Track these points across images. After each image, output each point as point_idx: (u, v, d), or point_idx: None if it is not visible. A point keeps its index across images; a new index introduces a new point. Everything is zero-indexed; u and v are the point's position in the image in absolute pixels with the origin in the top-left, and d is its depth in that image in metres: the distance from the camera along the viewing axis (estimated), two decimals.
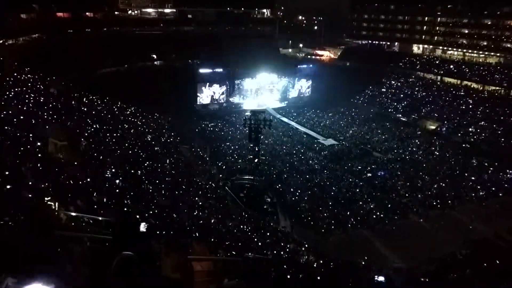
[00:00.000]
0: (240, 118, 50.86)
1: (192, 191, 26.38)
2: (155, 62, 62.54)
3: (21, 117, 23.56)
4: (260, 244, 21.40)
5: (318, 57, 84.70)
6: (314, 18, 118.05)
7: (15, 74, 32.48)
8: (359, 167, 36.14)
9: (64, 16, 61.64)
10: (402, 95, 59.50)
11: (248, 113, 52.47)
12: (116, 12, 72.74)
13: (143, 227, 11.43)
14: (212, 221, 22.41)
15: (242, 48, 65.79)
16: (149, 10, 78.55)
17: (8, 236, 6.72)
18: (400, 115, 54.80)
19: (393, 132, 47.92)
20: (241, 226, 23.54)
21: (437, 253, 21.82)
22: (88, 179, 18.91)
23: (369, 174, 34.52)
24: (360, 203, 29.19)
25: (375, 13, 77.77)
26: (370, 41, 78.47)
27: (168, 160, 30.77)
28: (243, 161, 36.38)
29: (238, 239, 21.30)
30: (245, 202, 29.01)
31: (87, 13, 66.57)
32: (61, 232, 9.63)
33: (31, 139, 20.70)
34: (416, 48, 71.91)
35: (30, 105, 26.99)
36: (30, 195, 12.55)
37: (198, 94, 54.34)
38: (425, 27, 69.73)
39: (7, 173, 13.57)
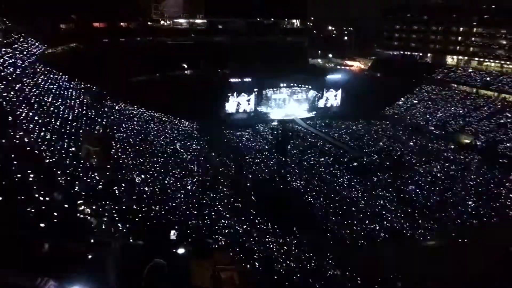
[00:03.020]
0: (267, 127, 50.95)
1: (218, 200, 26.46)
2: (186, 71, 63.66)
3: (57, 124, 24.39)
4: (286, 256, 21.17)
5: (348, 68, 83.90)
6: (344, 28, 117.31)
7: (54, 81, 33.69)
8: (389, 181, 35.23)
9: (100, 26, 63.88)
10: (435, 108, 57.91)
11: (275, 123, 52.66)
12: (149, 22, 74.70)
13: (173, 235, 11.53)
14: (238, 230, 22.38)
15: (271, 58, 66.00)
16: (181, 20, 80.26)
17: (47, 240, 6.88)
18: (433, 128, 53.27)
19: (425, 146, 46.56)
20: (267, 237, 23.37)
21: (471, 271, 20.87)
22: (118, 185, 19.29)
23: (399, 188, 33.57)
24: (390, 217, 28.37)
25: (408, 23, 76.42)
26: (401, 52, 77.06)
27: (195, 167, 31.05)
28: (269, 171, 36.18)
29: (264, 249, 21.15)
30: (271, 211, 28.76)
31: (121, 23, 68.68)
32: (93, 237, 9.84)
33: (65, 145, 21.36)
34: (451, 59, 69.96)
35: (65, 111, 27.89)
36: (63, 200, 12.89)
37: (226, 103, 54.75)
38: (460, 37, 67.83)
39: (41, 177, 13.96)
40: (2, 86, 23.43)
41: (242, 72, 57.63)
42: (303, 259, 21.39)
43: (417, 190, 33.21)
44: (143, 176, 24.03)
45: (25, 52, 35.46)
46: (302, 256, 21.44)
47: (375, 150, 44.02)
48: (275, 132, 43.86)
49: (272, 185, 33.27)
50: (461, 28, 67.28)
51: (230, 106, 55.13)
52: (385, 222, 27.75)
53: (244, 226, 23.61)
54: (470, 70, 64.05)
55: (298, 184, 33.99)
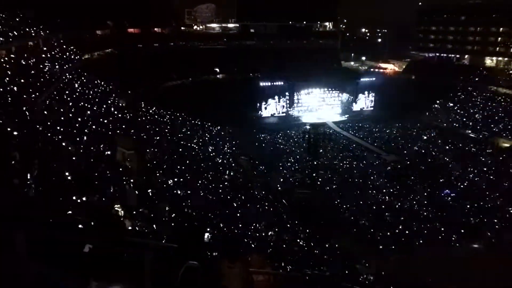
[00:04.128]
0: (299, 131, 50.54)
1: (249, 203, 26.38)
2: (218, 76, 64.34)
3: (93, 127, 25.10)
4: (317, 259, 20.81)
5: (381, 70, 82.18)
6: (378, 30, 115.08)
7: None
8: (424, 185, 34.02)
9: (135, 32, 65.71)
10: (472, 111, 55.55)
11: (307, 126, 52.19)
12: (182, 28, 76.16)
13: (206, 238, 11.46)
14: (269, 233, 22.20)
15: (303, 61, 65.67)
16: (214, 25, 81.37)
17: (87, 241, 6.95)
18: (470, 132, 51.12)
19: (461, 149, 44.72)
20: (297, 240, 23.07)
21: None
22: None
23: (434, 193, 32.32)
24: (424, 223, 27.30)
25: (444, 24, 73.98)
26: (437, 54, 74.68)
27: (227, 171, 31.15)
28: (301, 175, 35.83)
29: (295, 253, 20.87)
30: (302, 215, 28.40)
31: (155, 29, 70.39)
32: (128, 238, 9.91)
33: (101, 148, 21.92)
34: (489, 61, 67.12)
35: (101, 115, 28.70)
36: (100, 202, 13.15)
37: (258, 106, 54.82)
38: (499, 38, 64.96)
39: (78, 180, 14.29)
40: (42, 91, 24.41)
41: (274, 76, 57.62)
42: (335, 264, 20.93)
43: (453, 195, 31.87)
44: (175, 179, 24.27)
45: (63, 58, 36.87)
46: (334, 261, 20.98)
47: (410, 154, 42.70)
48: (307, 136, 43.37)
49: (303, 188, 32.90)
50: (501, 29, 64.44)
51: (262, 110, 55.15)
52: (419, 228, 26.75)
53: (276, 230, 23.40)
54: (511, 72, 61.20)
55: (330, 188, 33.44)
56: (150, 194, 18.73)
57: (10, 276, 5.26)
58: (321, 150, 42.42)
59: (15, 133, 14.03)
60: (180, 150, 31.26)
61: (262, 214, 24.81)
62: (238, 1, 77.86)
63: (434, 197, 31.69)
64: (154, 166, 24.72)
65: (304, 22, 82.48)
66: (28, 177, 11.30)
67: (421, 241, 25.15)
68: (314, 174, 35.89)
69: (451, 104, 58.64)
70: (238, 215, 22.84)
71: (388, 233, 25.95)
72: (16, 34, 30.49)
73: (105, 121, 27.78)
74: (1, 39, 27.47)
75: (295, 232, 24.39)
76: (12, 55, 27.87)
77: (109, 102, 34.09)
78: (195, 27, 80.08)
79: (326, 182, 34.74)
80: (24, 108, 18.55)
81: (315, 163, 39.00)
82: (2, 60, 25.47)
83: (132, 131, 28.94)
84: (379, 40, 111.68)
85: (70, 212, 10.26)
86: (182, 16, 79.46)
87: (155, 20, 69.32)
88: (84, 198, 12.56)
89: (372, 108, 60.40)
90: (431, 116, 57.67)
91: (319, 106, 58.20)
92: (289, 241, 22.43)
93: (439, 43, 74.50)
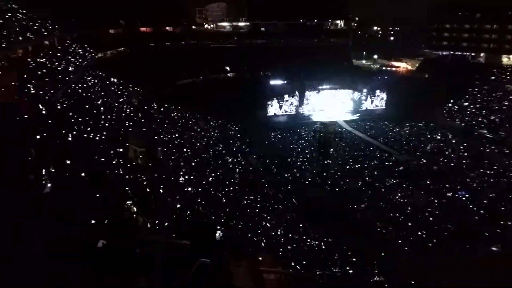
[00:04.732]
0: (310, 130, 50.39)
1: (259, 202, 26.42)
2: (228, 74, 64.48)
3: (106, 124, 25.40)
4: (327, 259, 20.77)
5: (394, 69, 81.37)
6: (390, 28, 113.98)
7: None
8: (437, 186, 33.63)
9: (147, 31, 66.24)
10: (488, 110, 54.62)
11: (318, 125, 52.01)
12: (193, 26, 76.45)
13: (218, 235, 11.55)
14: (279, 232, 22.22)
15: (313, 60, 65.41)
16: (224, 24, 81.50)
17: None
18: (486, 132, 50.32)
19: (477, 149, 44.05)
20: (308, 240, 23.04)
21: None
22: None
23: (447, 194, 31.94)
24: (437, 225, 27.01)
25: (458, 22, 72.87)
26: (451, 52, 73.65)
27: (237, 169, 31.24)
28: (311, 174, 35.75)
29: (306, 252, 20.86)
30: (312, 214, 28.35)
31: (167, 28, 70.82)
32: (140, 236, 10.05)
33: (114, 145, 22.16)
34: (506, 59, 65.96)
35: (114, 113, 29.02)
36: (113, 199, 13.32)
37: (268, 105, 54.81)
38: None
39: (91, 177, 14.49)
40: (56, 89, 24.78)
41: (284, 74, 57.53)
42: (346, 264, 20.87)
43: (467, 197, 31.46)
44: (186, 177, 24.44)
45: (77, 57, 37.36)
46: (345, 261, 20.92)
47: (423, 153, 42.25)
48: (318, 135, 43.25)
49: (314, 188, 32.84)
50: None
51: (272, 108, 55.11)
52: (432, 230, 26.48)
53: (285, 229, 23.41)
54: None
55: (341, 188, 33.31)
56: (161, 192, 18.90)
57: (27, 270, 5.42)
58: (331, 149, 42.26)
59: (31, 130, 14.29)
60: (191, 148, 31.41)
61: (272, 213, 24.85)
62: (248, 0, 77.90)
63: (447, 198, 31.35)
64: (165, 164, 24.94)
65: (315, 20, 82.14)
66: (43, 173, 11.51)
67: (434, 242, 24.94)
68: (324, 174, 35.77)
69: (466, 104, 57.78)
70: (248, 213, 22.92)
71: (400, 234, 25.78)
72: (32, 33, 30.97)
73: (118, 119, 28.09)
74: (20, 38, 27.93)
75: (306, 231, 24.37)
76: (29, 54, 28.37)
77: (121, 100, 34.43)
78: (206, 26, 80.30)
79: (336, 182, 34.62)
80: (39, 106, 18.86)
81: (325, 162, 38.86)
82: (20, 58, 25.94)
83: (144, 129, 29.20)
84: (391, 38, 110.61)
85: (83, 208, 10.43)
86: (193, 15, 79.75)
87: (166, 19, 69.71)
88: (97, 195, 12.77)
89: (384, 107, 59.92)
90: (445, 115, 56.93)
91: (329, 104, 57.93)
92: (300, 241, 22.44)
93: (453, 41, 73.42)
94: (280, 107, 55.58)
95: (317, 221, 27.39)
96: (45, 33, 34.72)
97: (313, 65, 63.04)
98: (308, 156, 40.83)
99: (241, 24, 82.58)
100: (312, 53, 69.86)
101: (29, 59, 27.32)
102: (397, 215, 28.36)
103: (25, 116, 15.81)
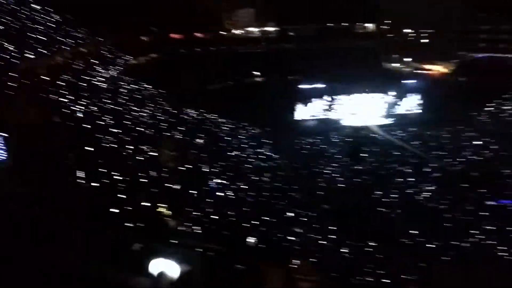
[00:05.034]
0: (340, 134, 49.54)
1: (290, 208, 26.08)
2: (257, 79, 64.58)
3: (138, 129, 25.86)
4: (363, 268, 20.16)
5: (427, 72, 79.08)
6: (423, 30, 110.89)
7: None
8: (476, 193, 32.16)
9: (178, 38, 67.43)
10: None
11: (348, 130, 51.11)
12: (222, 32, 77.18)
13: (250, 241, 11.35)
14: (311, 239, 21.81)
15: (343, 63, 64.45)
16: (253, 29, 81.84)
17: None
18: None
19: None
20: (342, 247, 22.48)
21: None
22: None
23: (489, 202, 30.45)
24: (477, 233, 25.76)
25: (496, 22, 70.05)
26: (489, 54, 70.83)
27: (267, 174, 31.04)
28: (342, 180, 35.03)
29: (340, 261, 20.35)
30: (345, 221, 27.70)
31: (197, 34, 71.80)
32: (174, 240, 10.00)
33: (145, 148, 22.49)
34: None
35: (147, 119, 29.55)
36: (147, 202, 13.40)
37: (297, 109, 54.33)
38: None
39: (125, 182, 14.66)
40: (92, 95, 25.46)
41: (313, 78, 56.98)
42: (382, 273, 20.18)
43: (509, 205, 29.91)
44: (217, 181, 24.46)
45: (111, 63, 38.44)
46: (380, 270, 20.22)
47: (460, 160, 40.61)
48: (348, 140, 42.51)
49: (345, 194, 32.15)
50: None
51: (301, 112, 54.59)
52: (472, 238, 25.28)
53: (318, 235, 22.95)
54: None
55: (374, 194, 32.42)
56: (193, 196, 18.95)
57: (70, 272, 5.41)
58: (363, 155, 41.37)
59: (69, 134, 14.63)
60: (221, 152, 31.52)
61: (304, 219, 24.45)
62: (277, 5, 77.90)
63: (488, 206, 29.91)
64: (196, 168, 25.06)
65: (344, 24, 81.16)
66: (80, 176, 11.72)
67: (472, 251, 23.82)
68: (356, 179, 35.00)
69: (505, 108, 55.18)
70: (279, 219, 22.62)
71: (437, 242, 24.76)
72: (69, 41, 32.09)
73: (150, 123, 28.56)
74: (59, 46, 29.00)
75: (339, 238, 23.81)
76: (67, 61, 29.37)
77: (154, 105, 35.04)
78: (235, 31, 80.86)
79: (369, 188, 33.72)
80: (77, 111, 19.36)
81: (357, 168, 38.07)
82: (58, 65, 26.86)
83: (176, 133, 29.57)
84: (424, 40, 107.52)
85: (118, 211, 10.50)
86: (222, 21, 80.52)
87: (196, 26, 70.70)
88: (131, 198, 12.87)
89: (418, 111, 58.11)
90: (483, 119, 54.60)
91: (360, 109, 56.75)
92: (333, 248, 21.94)
93: (490, 42, 70.59)
94: (309, 111, 54.97)
95: (350, 228, 26.74)
96: (82, 40, 35.89)
97: (343, 68, 62.02)
98: (339, 161, 40.08)
99: (270, 29, 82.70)
100: (342, 56, 68.87)
101: (67, 66, 28.21)
102: (434, 223, 27.31)
103: (62, 121, 16.25)
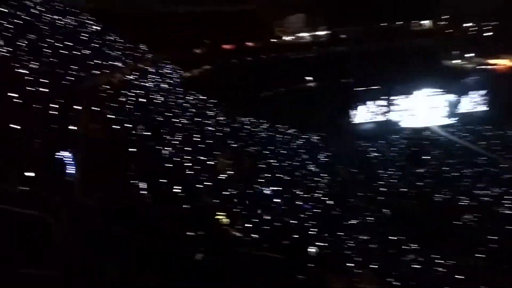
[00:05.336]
0: (400, 136, 47.60)
1: (349, 214, 25.30)
2: (310, 84, 64.11)
3: (194, 139, 26.51)
4: (426, 276, 19.03)
5: (491, 67, 73.85)
6: (486, 23, 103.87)
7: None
8: None
9: (229, 48, 68.87)
10: None
11: (408, 132, 48.95)
12: (273, 40, 77.69)
13: (312, 251, 11.04)
14: (374, 246, 20.95)
15: (400, 63, 62.11)
16: (303, 34, 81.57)
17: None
18: None
19: None
20: (406, 256, 21.37)
21: None
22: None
23: None
24: None
25: None
26: None
27: (324, 180, 30.45)
28: (403, 184, 33.50)
29: (403, 269, 19.36)
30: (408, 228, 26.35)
31: (248, 43, 72.84)
32: (233, 248, 9.98)
33: (202, 157, 22.95)
34: None
35: (203, 128, 30.29)
36: (204, 210, 13.57)
37: (353, 113, 53.03)
38: None
39: (184, 191, 14.94)
40: (149, 108, 26.59)
41: (368, 80, 55.47)
42: (449, 283, 18.88)
43: None
44: (272, 188, 24.33)
45: (165, 77, 40.11)
46: (450, 281, 18.92)
47: None
48: (409, 142, 40.66)
49: (407, 199, 30.70)
50: None
51: (357, 116, 53.21)
52: None
53: (379, 242, 22.00)
54: None
55: (438, 199, 30.59)
56: (248, 204, 18.95)
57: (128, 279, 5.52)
58: (424, 157, 39.37)
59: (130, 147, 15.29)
60: (276, 159, 31.44)
61: (364, 226, 23.59)
62: (327, 8, 77.07)
63: None
64: (252, 176, 25.12)
65: (400, 22, 78.31)
66: (141, 187, 12.11)
67: None
68: (418, 183, 33.31)
69: None
70: (339, 227, 21.99)
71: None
72: (128, 57, 33.94)
73: (206, 133, 29.20)
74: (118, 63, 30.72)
75: (402, 245, 22.68)
76: (126, 77, 31.06)
77: (208, 115, 35.89)
78: (285, 37, 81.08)
79: (432, 193, 31.88)
80: (136, 125, 20.21)
81: (419, 171, 36.28)
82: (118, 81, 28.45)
83: (231, 141, 29.99)
84: (488, 33, 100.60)
85: (177, 220, 10.67)
86: (273, 29, 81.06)
87: (247, 35, 71.78)
88: (188, 207, 13.10)
89: (483, 109, 54.30)
90: None
91: (421, 109, 54.08)
92: (396, 256, 20.92)
93: None
94: (365, 114, 53.42)
95: (413, 235, 25.39)
96: (139, 56, 37.80)
97: (400, 68, 59.79)
98: (399, 165, 38.43)
99: (320, 33, 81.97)
100: (398, 56, 66.49)
101: (126, 82, 29.77)
102: (508, 228, 25.13)
103: (123, 135, 17.03)
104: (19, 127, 11.01)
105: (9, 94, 13.31)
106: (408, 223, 27.00)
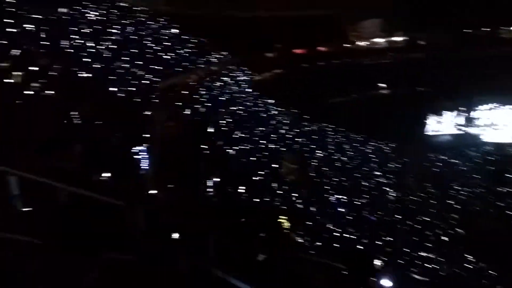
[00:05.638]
0: (480, 151, 44.07)
1: (420, 230, 23.91)
2: (383, 91, 61.85)
3: (261, 142, 26.81)
4: None
5: None
6: None
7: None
8: None
9: (301, 52, 68.66)
10: None
11: (489, 147, 45.07)
12: (346, 45, 76.06)
13: (377, 264, 10.61)
14: (445, 268, 19.60)
15: (483, 72, 57.49)
16: (379, 40, 78.89)
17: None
18: None
19: None
20: (483, 280, 19.70)
21: None
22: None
23: None
24: None
25: None
26: None
27: (393, 192, 29.11)
28: (482, 203, 30.89)
29: None
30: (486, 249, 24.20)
31: (320, 48, 72.05)
32: (294, 252, 9.91)
33: (268, 161, 23.13)
34: None
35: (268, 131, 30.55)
36: (268, 213, 13.63)
37: (428, 123, 50.12)
38: None
39: (250, 192, 15.14)
40: (221, 110, 27.43)
41: (447, 89, 52.18)
42: None
43: None
44: (337, 196, 23.79)
45: (236, 80, 41.10)
46: None
47: None
48: (490, 158, 37.43)
49: (485, 219, 28.25)
50: None
51: (433, 126, 50.22)
52: None
53: (450, 264, 20.51)
54: None
55: None
56: (312, 210, 18.71)
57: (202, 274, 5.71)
58: (508, 175, 35.99)
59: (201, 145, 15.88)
60: (344, 167, 30.72)
61: (434, 244, 22.13)
62: (405, 13, 73.78)
63: None
64: (317, 182, 24.79)
65: (486, 29, 72.52)
66: (209, 185, 12.51)
67: None
68: (499, 203, 30.50)
69: None
70: (407, 243, 20.85)
71: None
72: (202, 59, 35.38)
73: (273, 136, 29.40)
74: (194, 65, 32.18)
75: (477, 269, 20.91)
76: (200, 79, 32.44)
77: (276, 119, 36.12)
78: (359, 43, 79.04)
79: None
80: (208, 125, 20.95)
81: (499, 190, 33.22)
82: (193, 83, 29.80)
83: (297, 146, 29.86)
84: None
85: (244, 219, 10.82)
86: (346, 33, 79.40)
87: (319, 40, 71.08)
88: (255, 209, 13.25)
89: None
90: None
91: (505, 122, 49.55)
92: (468, 280, 19.36)
93: None
94: (442, 125, 50.21)
95: (491, 258, 23.26)
96: (214, 60, 39.22)
97: (483, 78, 55.34)
98: (478, 181, 35.51)
99: (397, 38, 78.77)
100: (481, 65, 61.54)
101: (200, 84, 31.04)
102: None
103: (195, 134, 17.73)
104: (102, 124, 11.97)
105: (93, 93, 14.52)
106: (486, 247, 24.80)
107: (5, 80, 9.68)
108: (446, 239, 23.91)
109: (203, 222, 7.58)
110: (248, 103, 36.39)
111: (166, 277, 5.03)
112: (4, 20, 16.78)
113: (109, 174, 8.13)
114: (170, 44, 36.99)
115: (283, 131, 33.37)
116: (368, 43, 78.31)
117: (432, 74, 60.06)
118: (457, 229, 26.95)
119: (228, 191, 13.27)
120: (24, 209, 4.85)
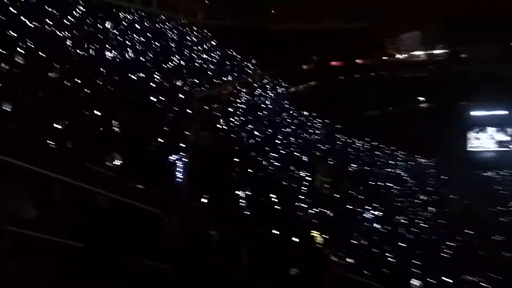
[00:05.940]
0: None
1: (459, 250, 22.78)
2: (422, 105, 60.27)
3: (296, 154, 26.67)
4: None
5: None
6: None
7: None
8: None
9: (338, 65, 68.22)
10: None
11: None
12: (384, 58, 74.91)
13: (415, 284, 10.22)
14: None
15: None
16: (418, 52, 77.28)
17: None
18: None
19: None
20: None
21: None
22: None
23: None
24: None
25: None
26: None
27: (432, 210, 28.04)
28: None
29: None
30: None
31: (357, 60, 71.33)
32: (327, 268, 9.70)
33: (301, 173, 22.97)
34: None
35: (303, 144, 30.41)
36: (301, 227, 13.48)
37: (470, 138, 48.20)
38: None
39: (281, 205, 15.02)
40: (254, 121, 27.63)
41: (491, 103, 50.08)
42: None
43: None
44: (373, 212, 23.16)
45: (272, 92, 41.32)
46: None
47: None
48: None
49: None
50: None
51: (475, 142, 48.25)
52: None
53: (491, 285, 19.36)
54: None
55: None
56: (346, 225, 18.32)
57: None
58: None
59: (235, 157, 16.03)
60: (379, 181, 29.97)
61: (477, 266, 21.00)
62: (447, 26, 71.73)
63: None
64: (351, 196, 24.30)
65: None
66: (242, 196, 12.53)
67: None
68: None
69: None
70: (446, 263, 19.91)
71: None
72: (239, 70, 36.00)
73: (307, 149, 29.21)
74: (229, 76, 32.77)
75: None
76: (235, 90, 32.94)
77: (310, 131, 35.94)
78: (398, 56, 77.69)
79: None
80: (242, 136, 21.14)
81: None
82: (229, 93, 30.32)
83: (331, 159, 29.51)
84: None
85: (276, 232, 10.73)
86: (385, 46, 78.25)
87: (357, 53, 70.43)
88: (286, 222, 13.11)
89: None
90: None
91: None
92: None
93: None
94: (485, 141, 48.13)
95: None
96: (250, 71, 39.71)
97: None
98: None
99: (438, 51, 76.77)
100: None
101: (235, 95, 31.50)
102: None
103: (229, 145, 17.91)
104: (139, 132, 12.34)
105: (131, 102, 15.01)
106: None
107: (51, 90, 10.18)
108: (490, 261, 22.62)
109: (236, 233, 7.60)
110: (283, 115, 36.45)
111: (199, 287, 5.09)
112: (53, 30, 17.79)
113: (146, 182, 8.31)
114: (208, 56, 37.93)
115: (317, 144, 33.11)
116: (407, 55, 76.84)
117: (475, 88, 57.81)
118: (503, 252, 25.52)
119: (261, 202, 13.24)
120: (65, 214, 5.04)
